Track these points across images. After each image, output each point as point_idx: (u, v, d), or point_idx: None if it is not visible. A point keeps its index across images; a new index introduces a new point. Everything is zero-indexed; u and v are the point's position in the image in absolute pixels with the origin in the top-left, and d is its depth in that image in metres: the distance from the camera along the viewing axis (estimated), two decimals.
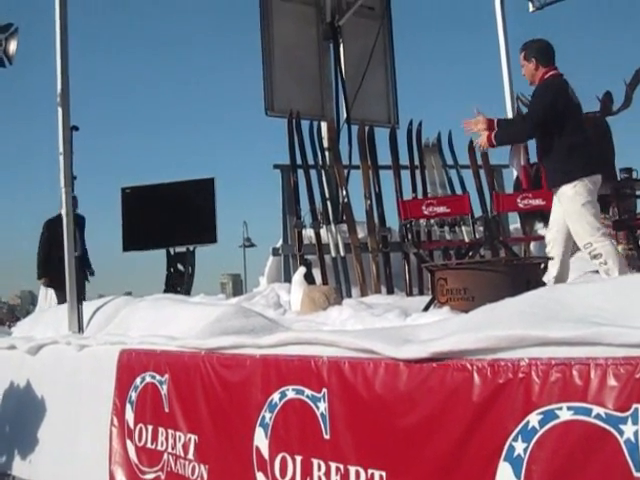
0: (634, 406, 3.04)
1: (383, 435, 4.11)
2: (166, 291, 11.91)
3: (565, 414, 3.26)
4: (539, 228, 10.26)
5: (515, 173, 11.92)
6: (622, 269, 6.20)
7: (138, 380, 6.41)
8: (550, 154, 6.58)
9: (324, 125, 10.88)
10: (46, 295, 12.84)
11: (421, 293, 9.53)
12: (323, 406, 4.50)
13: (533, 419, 3.37)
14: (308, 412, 4.60)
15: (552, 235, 6.77)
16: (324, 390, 4.49)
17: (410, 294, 9.21)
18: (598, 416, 3.14)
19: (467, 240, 9.73)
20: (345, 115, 11.26)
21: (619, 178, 7.21)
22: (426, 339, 4.03)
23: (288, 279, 9.51)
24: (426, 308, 5.70)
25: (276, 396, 4.87)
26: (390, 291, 9.45)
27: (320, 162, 10.11)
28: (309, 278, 7.12)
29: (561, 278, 6.45)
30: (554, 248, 6.61)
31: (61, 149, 8.01)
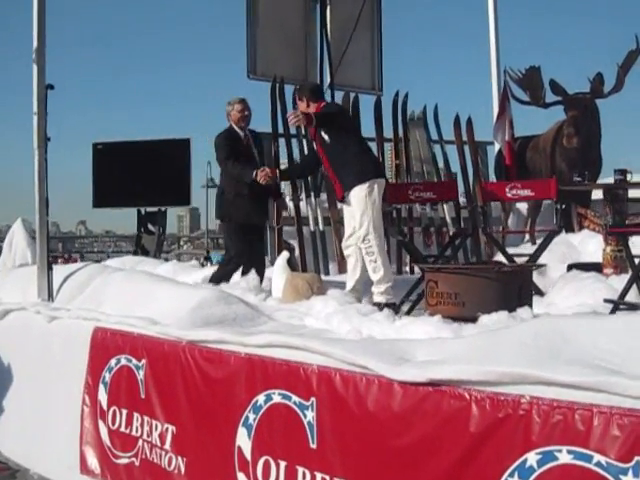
0: (636, 458, 3.10)
1: (373, 452, 4.16)
2: (135, 252, 11.91)
3: (565, 457, 3.32)
4: None
5: (497, 148, 12.00)
6: (387, 269, 6.87)
7: (113, 361, 6.41)
8: (339, 160, 7.09)
9: None
10: (11, 246, 12.61)
11: (399, 272, 9.59)
12: (311, 415, 4.54)
13: (531, 458, 3.43)
14: (294, 419, 4.65)
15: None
16: (312, 399, 4.53)
17: None
18: (599, 464, 3.20)
19: (448, 219, 9.78)
20: (329, 80, 11.19)
21: (614, 179, 7.27)
22: (423, 360, 4.07)
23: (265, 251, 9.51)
24: (410, 310, 5.76)
25: (261, 398, 4.91)
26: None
27: (302, 131, 10.04)
28: (292, 263, 7.10)
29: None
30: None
31: (35, 109, 7.85)
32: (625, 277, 6.78)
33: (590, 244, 9.28)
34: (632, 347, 3.46)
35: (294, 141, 10.11)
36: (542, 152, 11.60)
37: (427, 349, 4.24)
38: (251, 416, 4.97)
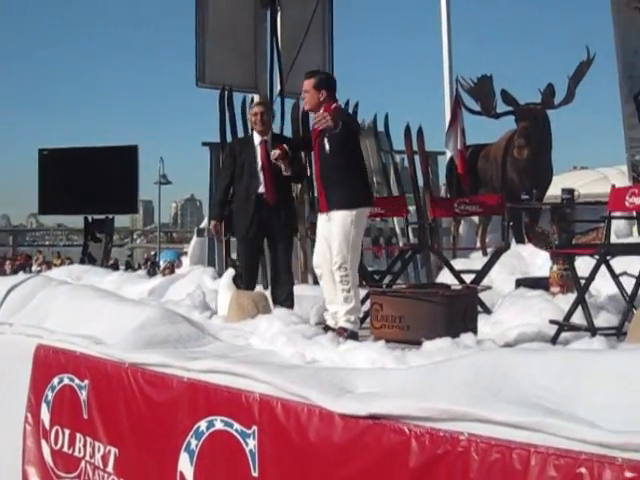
0: None
1: None
2: (82, 260, 11.84)
3: None
4: None
5: (448, 156, 12.09)
6: (358, 300, 6.41)
7: (56, 380, 6.38)
8: (338, 173, 6.57)
9: (256, 98, 10.80)
10: None
11: None
12: (252, 443, 4.56)
13: None
14: (236, 447, 4.66)
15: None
16: (254, 427, 4.55)
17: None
18: None
19: (398, 230, 9.84)
20: (279, 87, 11.21)
21: (561, 199, 7.38)
22: (364, 392, 4.10)
23: (212, 262, 9.53)
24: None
25: (203, 424, 4.91)
26: (316, 281, 9.49)
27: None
28: (238, 281, 7.09)
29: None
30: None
31: None
32: (571, 296, 6.88)
33: (539, 257, 9.39)
34: (569, 386, 3.51)
35: None
36: (493, 161, 11.74)
37: (368, 380, 4.27)
38: (193, 442, 4.97)
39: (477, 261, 9.65)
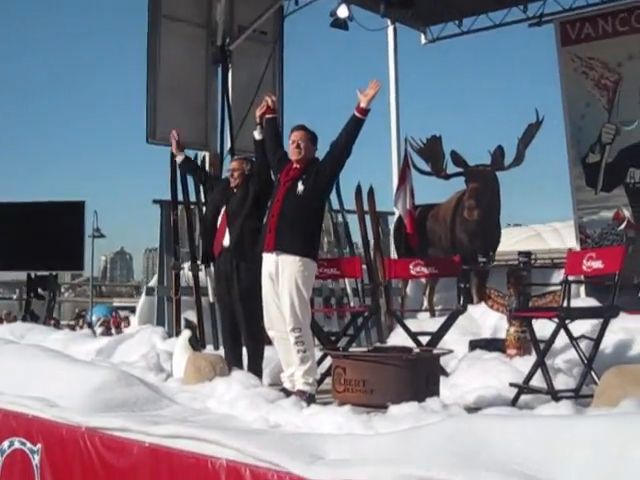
0: None
1: None
2: (24, 318, 11.70)
3: None
4: None
5: (396, 216, 12.24)
6: (314, 360, 6.46)
7: (6, 444, 6.27)
8: (302, 219, 6.52)
9: (207, 156, 10.88)
10: None
11: None
12: None
13: None
14: None
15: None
16: None
17: None
18: None
19: (349, 290, 9.90)
20: (229, 144, 11.30)
21: (518, 261, 7.54)
22: (336, 459, 4.12)
23: (161, 322, 9.48)
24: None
25: None
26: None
27: (203, 198, 10.08)
28: (194, 342, 7.07)
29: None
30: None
31: None
32: (528, 358, 7.01)
33: (490, 317, 9.52)
34: (545, 452, 3.58)
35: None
36: (442, 222, 11.90)
37: (338, 446, 4.28)
38: None
39: (426, 322, 9.74)
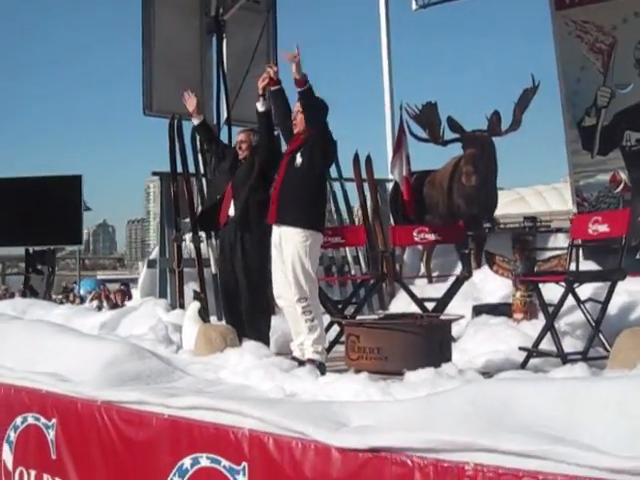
0: None
1: None
2: (24, 293, 11.72)
3: None
4: None
5: (390, 185, 12.27)
6: (323, 329, 6.51)
7: (19, 420, 6.31)
8: (298, 192, 6.58)
9: None
10: None
11: None
12: (243, 479, 4.59)
13: None
14: None
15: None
16: (244, 464, 4.57)
17: None
18: None
19: (350, 258, 9.93)
20: (225, 115, 11.29)
21: (523, 225, 7.58)
22: (361, 426, 4.17)
23: (164, 294, 9.51)
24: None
25: (187, 461, 4.91)
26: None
27: (202, 169, 10.09)
28: (203, 314, 7.10)
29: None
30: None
31: None
32: (535, 322, 7.10)
33: (490, 282, 9.59)
34: (569, 414, 3.65)
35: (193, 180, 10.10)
36: (439, 188, 11.90)
37: (361, 413, 4.34)
38: (176, 479, 4.97)
39: (425, 289, 9.82)
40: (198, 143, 9.98)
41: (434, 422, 3.88)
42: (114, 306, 12.32)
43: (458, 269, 11.03)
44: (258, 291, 7.15)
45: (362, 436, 4.02)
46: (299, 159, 6.59)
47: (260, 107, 7.16)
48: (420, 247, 12.42)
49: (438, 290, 9.12)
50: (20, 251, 13.48)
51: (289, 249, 6.48)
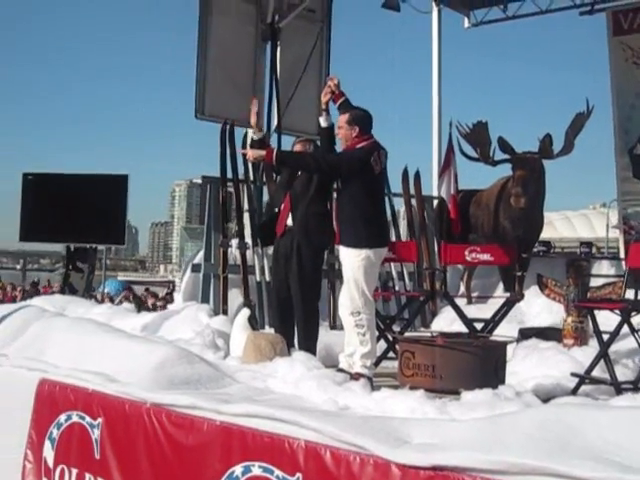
0: None
1: None
2: (63, 290, 11.77)
3: None
4: None
5: (436, 202, 12.23)
6: (374, 344, 6.56)
7: (62, 417, 6.33)
8: (345, 213, 6.72)
9: (250, 133, 10.83)
10: None
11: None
12: None
13: None
14: None
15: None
16: (298, 475, 4.57)
17: (334, 326, 9.28)
18: None
19: (394, 274, 9.91)
20: (275, 123, 11.30)
21: (579, 252, 7.54)
22: (423, 443, 4.15)
23: (206, 299, 9.49)
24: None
25: (238, 469, 4.91)
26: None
27: (252, 176, 10.11)
28: (253, 322, 7.11)
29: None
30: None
31: None
32: (586, 349, 7.04)
33: (535, 305, 9.55)
34: (638, 442, 3.61)
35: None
36: (485, 208, 11.84)
37: (423, 430, 4.32)
38: None
39: (465, 309, 9.76)
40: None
41: (500, 444, 3.86)
42: (153, 308, 12.33)
43: (499, 291, 11.03)
44: (311, 302, 7.18)
45: (425, 454, 4.00)
46: (337, 182, 6.84)
47: (323, 122, 7.19)
48: (461, 266, 12.36)
49: (480, 310, 9.12)
50: (56, 248, 13.54)
51: (345, 267, 6.65)
